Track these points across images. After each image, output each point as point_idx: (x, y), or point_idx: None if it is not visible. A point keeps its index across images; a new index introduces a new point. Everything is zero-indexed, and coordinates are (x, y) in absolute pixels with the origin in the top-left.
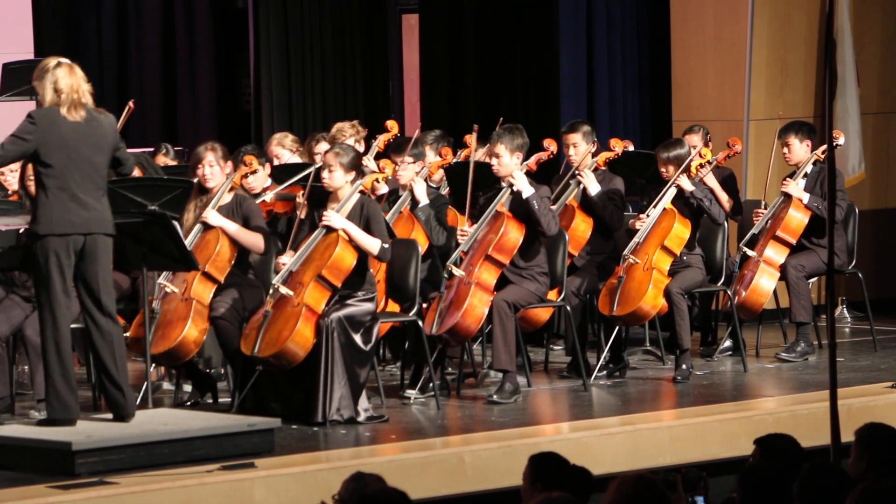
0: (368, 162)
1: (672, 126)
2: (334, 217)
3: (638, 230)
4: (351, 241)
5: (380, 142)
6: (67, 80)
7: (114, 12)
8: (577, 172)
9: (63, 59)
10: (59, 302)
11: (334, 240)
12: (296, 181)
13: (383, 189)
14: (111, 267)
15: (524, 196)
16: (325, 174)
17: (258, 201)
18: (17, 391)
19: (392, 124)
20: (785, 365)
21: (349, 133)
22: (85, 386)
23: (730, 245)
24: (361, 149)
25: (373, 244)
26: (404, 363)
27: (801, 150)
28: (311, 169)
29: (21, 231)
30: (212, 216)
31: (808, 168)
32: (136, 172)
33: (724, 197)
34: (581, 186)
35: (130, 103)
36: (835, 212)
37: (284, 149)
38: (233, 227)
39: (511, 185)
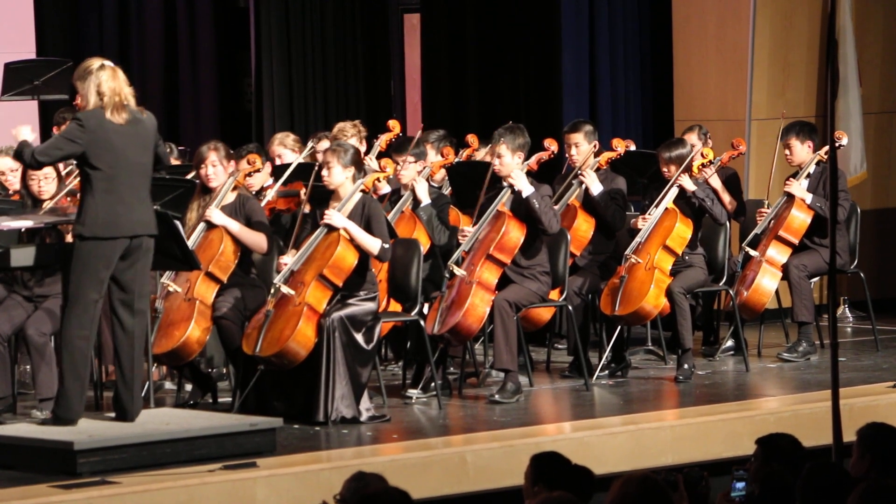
0: (370, 161)
1: (674, 126)
2: (335, 216)
3: (640, 230)
4: (352, 241)
5: (381, 141)
6: (111, 84)
7: (115, 12)
8: (579, 172)
9: (107, 62)
10: (89, 304)
11: (335, 239)
12: (293, 176)
13: (385, 189)
14: (150, 267)
15: (524, 195)
16: (324, 172)
17: (262, 203)
18: (19, 391)
19: (394, 124)
20: (787, 364)
21: (351, 133)
22: (88, 385)
23: (732, 245)
24: (363, 148)
25: (373, 244)
26: (406, 363)
27: (802, 152)
28: (297, 161)
29: (23, 230)
30: (215, 214)
31: (811, 168)
32: None
33: (726, 198)
34: (583, 186)
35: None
36: (837, 212)
37: (286, 148)
38: (235, 226)
39: (511, 185)
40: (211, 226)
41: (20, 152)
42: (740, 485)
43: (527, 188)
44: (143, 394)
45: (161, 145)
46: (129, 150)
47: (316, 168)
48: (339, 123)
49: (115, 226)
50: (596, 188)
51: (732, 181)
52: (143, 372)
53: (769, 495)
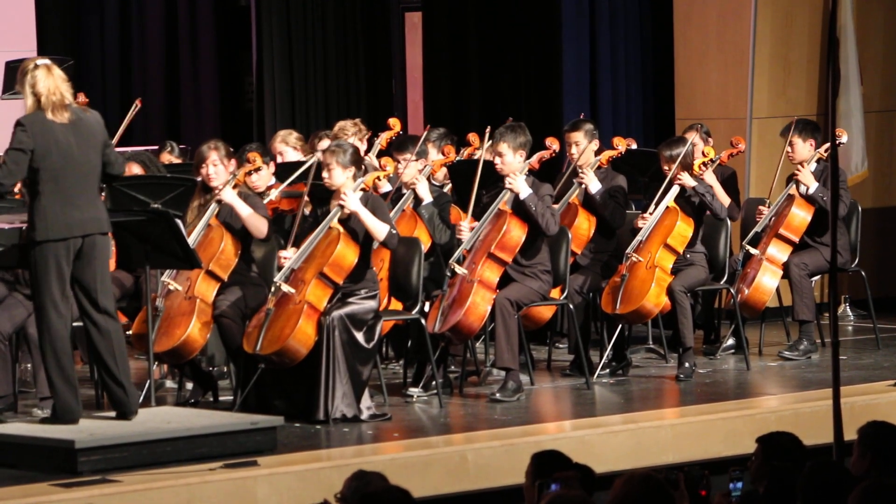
0: (371, 159)
1: (675, 124)
2: (350, 198)
3: (641, 228)
4: (352, 236)
5: (382, 139)
6: (45, 83)
7: (117, 10)
8: (578, 172)
9: (41, 61)
10: (56, 305)
11: (336, 237)
12: (297, 177)
13: (386, 187)
14: (108, 265)
15: (521, 197)
16: (324, 174)
17: (265, 201)
18: (20, 389)
19: (394, 122)
20: (788, 363)
21: (351, 131)
22: (88, 384)
23: (733, 243)
24: (364, 147)
25: (381, 228)
26: (407, 361)
27: (804, 149)
28: (312, 161)
29: (25, 228)
30: (227, 193)
31: (812, 166)
32: (138, 170)
33: (723, 197)
34: (583, 185)
35: (138, 101)
36: (838, 209)
37: (288, 146)
38: (243, 208)
39: (508, 187)
40: (211, 225)
41: None
42: (740, 484)
43: (524, 190)
44: (143, 392)
45: (111, 147)
46: (74, 149)
47: (315, 165)
48: (339, 122)
49: (66, 226)
50: (594, 187)
51: (730, 180)
52: (128, 366)
53: (775, 493)
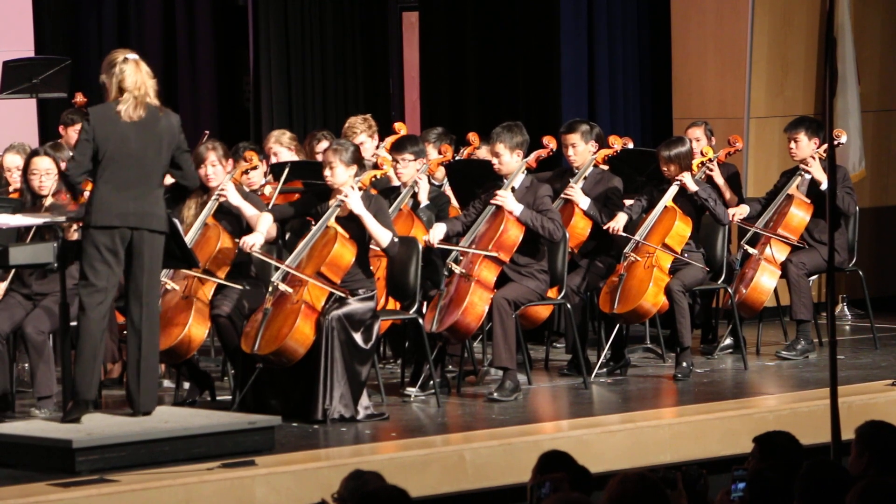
0: (376, 153)
1: (673, 124)
2: (353, 199)
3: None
4: (350, 235)
5: (386, 143)
6: (133, 78)
7: (114, 10)
8: (570, 182)
9: (130, 55)
10: (87, 293)
11: (333, 236)
12: (288, 174)
13: (395, 182)
14: (158, 264)
15: (515, 215)
16: (326, 172)
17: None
18: (18, 389)
19: (400, 126)
20: (785, 363)
21: (361, 128)
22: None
23: (731, 242)
24: (375, 142)
25: (384, 235)
26: (405, 361)
27: (808, 148)
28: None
29: (22, 227)
30: (231, 194)
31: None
32: None
33: (728, 195)
34: (580, 185)
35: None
36: (836, 208)
37: (282, 146)
38: (250, 210)
39: (500, 203)
40: (208, 224)
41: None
42: (742, 485)
43: (516, 208)
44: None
45: (184, 154)
46: (134, 144)
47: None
48: (350, 118)
49: (112, 216)
50: (584, 203)
51: (733, 179)
52: (156, 366)
53: (762, 496)
